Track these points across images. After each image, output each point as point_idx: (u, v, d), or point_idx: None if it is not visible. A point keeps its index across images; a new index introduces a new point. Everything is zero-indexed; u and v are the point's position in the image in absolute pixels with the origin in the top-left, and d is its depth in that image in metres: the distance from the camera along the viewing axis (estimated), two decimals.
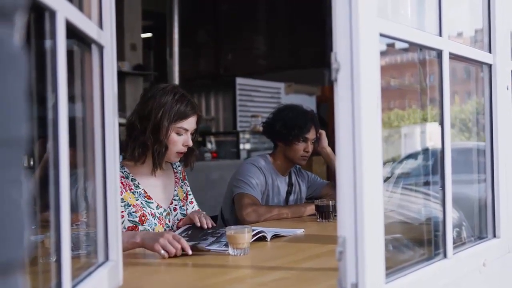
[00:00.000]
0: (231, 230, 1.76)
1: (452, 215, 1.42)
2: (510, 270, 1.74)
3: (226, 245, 1.78)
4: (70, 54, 0.99)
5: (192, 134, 2.16)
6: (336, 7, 1.07)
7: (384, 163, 1.15)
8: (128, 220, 2.04)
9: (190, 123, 2.12)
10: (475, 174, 1.80)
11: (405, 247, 1.51)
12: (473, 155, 1.84)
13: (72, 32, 1.01)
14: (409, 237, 1.61)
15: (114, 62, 1.28)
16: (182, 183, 2.31)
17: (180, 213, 2.23)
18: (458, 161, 1.52)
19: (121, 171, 2.07)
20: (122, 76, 6.73)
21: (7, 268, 0.51)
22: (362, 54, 1.06)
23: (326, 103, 7.53)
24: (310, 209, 2.62)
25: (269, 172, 2.78)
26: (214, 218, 2.96)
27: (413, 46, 1.49)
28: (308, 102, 6.45)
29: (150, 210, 2.10)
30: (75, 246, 1.12)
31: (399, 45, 1.43)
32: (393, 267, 1.21)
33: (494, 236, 1.67)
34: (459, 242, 1.55)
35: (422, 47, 1.47)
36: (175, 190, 2.25)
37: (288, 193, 2.87)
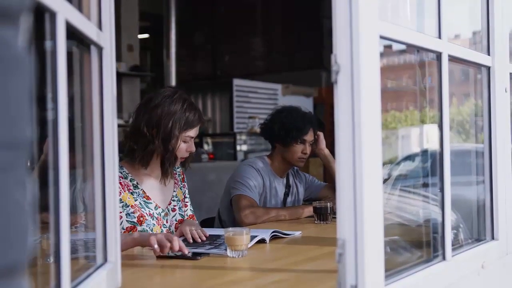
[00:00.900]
0: (229, 232, 1.75)
1: (450, 217, 1.42)
2: (509, 272, 1.75)
3: (226, 250, 1.77)
4: (69, 55, 0.99)
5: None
6: (337, 8, 1.07)
7: (382, 166, 1.15)
8: (127, 220, 2.04)
9: (196, 131, 2.15)
10: (473, 176, 1.80)
11: (404, 249, 1.51)
12: (471, 157, 1.84)
13: (72, 33, 1.01)
14: (408, 239, 1.61)
15: (113, 63, 1.28)
16: (181, 185, 2.31)
17: (179, 213, 2.24)
18: (455, 163, 1.52)
19: (120, 171, 2.07)
20: (118, 77, 6.68)
21: (11, 271, 0.51)
22: (363, 56, 1.06)
23: (323, 104, 7.55)
24: (308, 211, 2.62)
25: (266, 173, 2.77)
26: (211, 220, 2.97)
27: (410, 48, 1.49)
28: (305, 104, 6.44)
29: (149, 211, 2.10)
30: (73, 248, 1.11)
31: (396, 47, 1.43)
32: (392, 269, 1.21)
33: (493, 238, 1.67)
34: (457, 244, 1.55)
35: (421, 49, 1.47)
36: (174, 191, 2.26)
37: (286, 194, 2.87)
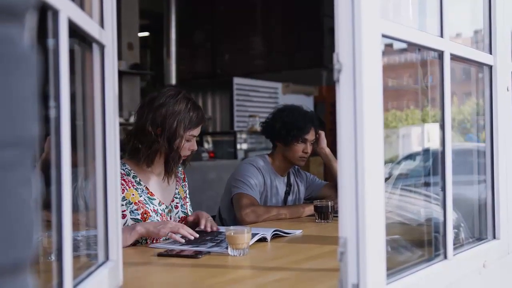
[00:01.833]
0: (230, 231, 1.75)
1: (452, 216, 1.42)
2: (510, 271, 1.75)
3: (227, 248, 1.77)
4: (71, 54, 0.98)
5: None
6: (339, 7, 1.07)
7: (383, 164, 1.15)
8: (131, 218, 2.05)
9: (199, 130, 2.19)
10: (475, 175, 1.80)
11: (406, 248, 1.51)
12: (472, 156, 1.84)
13: (74, 31, 1.01)
14: (409, 238, 1.61)
15: (115, 61, 1.28)
16: (183, 184, 2.33)
17: (181, 211, 2.26)
18: (456, 162, 1.52)
19: (122, 169, 2.09)
20: (119, 75, 6.68)
21: (17, 268, 0.51)
22: (365, 54, 1.06)
23: (324, 103, 7.55)
24: (309, 209, 2.62)
25: (267, 172, 2.77)
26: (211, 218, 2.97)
27: (412, 47, 1.49)
28: (306, 103, 6.45)
29: (153, 207, 2.12)
30: (75, 245, 1.11)
31: (397, 45, 1.43)
32: (394, 268, 1.21)
33: (494, 237, 1.67)
34: (459, 244, 1.55)
35: (423, 48, 1.46)
36: (176, 189, 2.28)
37: (287, 193, 2.87)
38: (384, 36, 1.15)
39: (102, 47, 1.23)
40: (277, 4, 8.87)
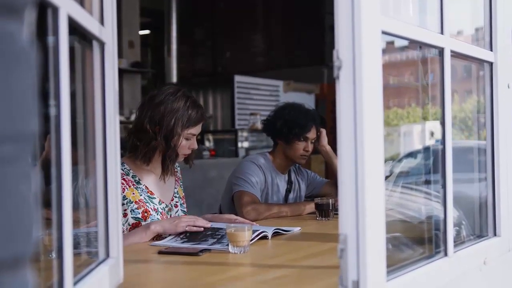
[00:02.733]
0: (231, 228, 1.75)
1: (452, 214, 1.42)
2: (511, 268, 1.75)
3: (228, 245, 1.78)
4: (71, 51, 0.98)
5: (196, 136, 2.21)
6: (339, 4, 1.07)
7: (384, 162, 1.15)
8: (131, 217, 2.05)
9: (198, 129, 2.18)
10: (476, 173, 1.80)
11: (406, 245, 1.51)
12: (474, 154, 1.84)
13: (74, 28, 1.01)
14: (410, 235, 1.61)
15: (115, 58, 1.27)
16: (181, 183, 2.34)
17: (181, 210, 2.26)
18: (458, 159, 1.52)
19: (121, 168, 2.09)
20: (119, 73, 6.67)
21: (16, 262, 0.51)
22: (365, 51, 1.06)
23: (325, 101, 7.54)
24: (310, 207, 2.62)
25: (268, 170, 2.77)
26: None
27: (413, 44, 1.48)
28: (307, 100, 6.45)
29: (153, 206, 2.12)
30: (76, 243, 1.11)
31: (398, 43, 1.43)
32: (394, 265, 1.21)
33: (495, 234, 1.67)
34: (459, 241, 1.55)
35: (423, 45, 1.46)
36: (175, 188, 2.28)
37: (288, 191, 2.87)
38: (384, 32, 1.14)
39: (102, 44, 1.23)
40: (277, 2, 8.87)
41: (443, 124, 1.41)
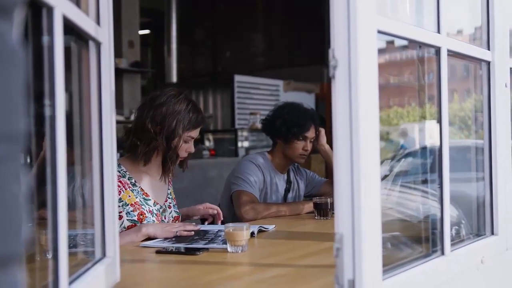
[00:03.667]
0: (229, 228, 1.76)
1: (450, 213, 1.42)
2: (508, 268, 1.75)
3: (224, 242, 1.78)
4: (67, 51, 0.99)
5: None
6: (334, 3, 1.07)
7: (382, 161, 1.15)
8: (127, 219, 2.06)
9: (197, 133, 2.21)
10: (474, 172, 1.80)
11: (403, 244, 1.51)
12: (472, 153, 1.84)
13: (70, 28, 1.01)
14: (407, 234, 1.61)
15: (111, 58, 1.28)
16: (172, 184, 2.36)
17: (174, 211, 2.29)
18: (456, 159, 1.52)
19: (118, 170, 2.09)
20: (119, 73, 6.73)
21: (6, 261, 0.51)
22: (360, 51, 1.06)
23: (325, 100, 7.54)
24: (309, 206, 2.62)
25: (267, 169, 2.77)
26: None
27: (412, 44, 1.48)
28: (307, 100, 6.46)
29: (148, 208, 2.13)
30: (72, 243, 1.11)
31: (398, 42, 1.43)
32: (390, 264, 1.21)
33: (492, 233, 1.67)
34: (457, 240, 1.55)
35: (420, 44, 1.46)
36: (168, 189, 2.30)
37: (287, 190, 2.87)
38: (380, 32, 1.14)
39: (98, 44, 1.23)
40: (277, 2, 8.87)
41: (439, 123, 1.40)
